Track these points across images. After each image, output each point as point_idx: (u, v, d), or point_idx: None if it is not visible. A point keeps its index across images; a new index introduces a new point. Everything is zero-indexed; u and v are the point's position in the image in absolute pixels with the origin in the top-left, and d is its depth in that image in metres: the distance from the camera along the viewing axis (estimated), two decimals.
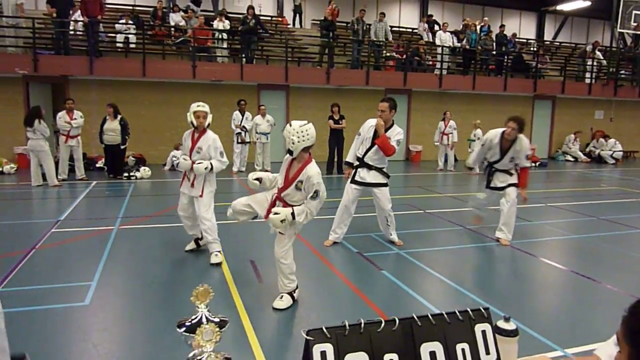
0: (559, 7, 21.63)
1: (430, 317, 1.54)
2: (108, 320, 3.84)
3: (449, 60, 16.42)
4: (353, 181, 5.83)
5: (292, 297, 4.15)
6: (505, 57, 16.82)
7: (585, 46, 18.63)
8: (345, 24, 16.86)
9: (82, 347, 3.33)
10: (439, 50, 16.07)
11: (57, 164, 10.22)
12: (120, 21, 13.45)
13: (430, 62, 16.31)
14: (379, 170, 5.74)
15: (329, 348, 1.41)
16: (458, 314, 1.58)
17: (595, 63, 17.79)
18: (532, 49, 19.78)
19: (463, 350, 1.55)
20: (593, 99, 18.18)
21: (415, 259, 5.46)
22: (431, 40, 17.26)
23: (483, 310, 1.62)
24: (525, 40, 20.87)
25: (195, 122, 5.06)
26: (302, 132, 3.83)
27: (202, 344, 1.37)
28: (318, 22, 16.51)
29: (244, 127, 12.03)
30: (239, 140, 12.12)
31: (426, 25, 17.84)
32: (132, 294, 4.38)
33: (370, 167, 5.73)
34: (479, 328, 1.60)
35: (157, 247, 5.74)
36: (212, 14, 15.58)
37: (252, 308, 4.03)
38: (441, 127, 13.64)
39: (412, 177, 12.80)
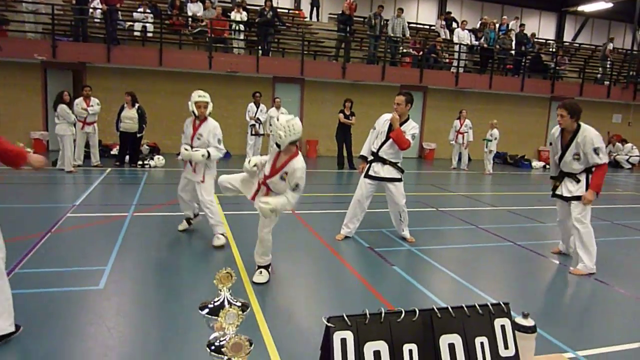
0: (580, 8, 21.30)
1: (450, 309, 1.53)
2: (122, 304, 3.88)
3: (466, 59, 16.28)
4: (367, 175, 5.81)
5: (268, 272, 4.47)
6: (524, 57, 16.63)
7: (606, 45, 18.30)
8: (362, 19, 16.78)
9: (97, 329, 3.37)
10: (457, 47, 15.94)
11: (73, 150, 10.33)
12: (139, 10, 13.52)
13: (447, 60, 16.18)
14: (394, 164, 5.70)
15: (349, 335, 1.41)
16: (478, 307, 1.57)
17: (611, 65, 17.53)
18: (551, 49, 19.54)
19: (482, 344, 1.54)
20: (611, 103, 17.93)
21: (427, 255, 5.44)
22: (448, 37, 17.12)
23: (503, 305, 1.62)
24: (544, 41, 20.61)
25: (196, 112, 5.24)
26: (288, 127, 3.98)
27: (224, 326, 1.38)
28: (335, 16, 16.46)
29: (258, 119, 12.06)
30: (253, 132, 12.16)
31: (444, 23, 17.69)
32: (145, 279, 4.42)
33: (384, 162, 5.70)
34: (498, 322, 1.60)
35: (170, 235, 5.79)
36: (230, 5, 15.59)
37: (262, 297, 4.05)
38: (456, 126, 13.54)
39: (425, 175, 12.74)
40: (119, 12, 13.07)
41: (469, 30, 16.73)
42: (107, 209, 6.86)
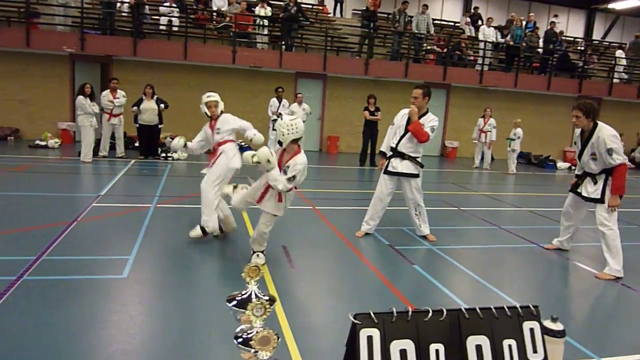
0: (611, 5, 20.75)
1: (479, 310, 1.51)
2: (145, 293, 3.94)
3: (491, 56, 16.02)
4: (386, 172, 5.76)
5: (264, 254, 4.67)
6: (551, 55, 16.29)
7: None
8: (386, 15, 16.65)
9: (120, 317, 3.42)
10: (481, 45, 15.70)
11: (99, 141, 10.53)
12: (165, 4, 13.65)
13: (472, 57, 15.95)
14: (413, 159, 5.62)
15: (375, 333, 1.40)
16: (507, 309, 1.55)
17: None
18: (579, 47, 19.09)
19: (510, 346, 1.52)
20: None
21: (448, 255, 5.38)
22: (473, 34, 16.88)
23: (532, 308, 1.58)
24: (572, 39, 20.15)
25: (208, 112, 5.28)
26: (291, 125, 4.22)
27: (252, 319, 1.39)
28: (359, 12, 16.37)
29: (280, 114, 12.08)
30: (275, 127, 12.19)
31: (468, 19, 17.44)
32: (168, 270, 4.48)
33: (403, 156, 5.63)
34: (527, 325, 1.57)
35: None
36: (255, 0, 15.64)
37: (283, 291, 4.06)
38: (480, 124, 13.32)
39: (447, 174, 12.60)
40: (146, 7, 13.22)
41: (495, 28, 16.45)
42: (131, 200, 6.97)
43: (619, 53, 17.76)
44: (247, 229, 5.77)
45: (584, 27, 22.56)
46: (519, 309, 1.60)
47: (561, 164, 15.25)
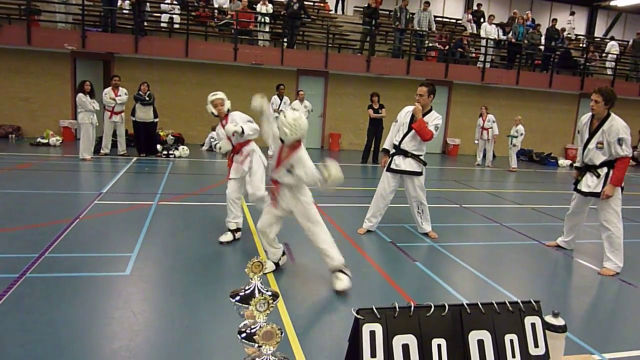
0: (613, 3, 20.67)
1: (480, 305, 1.52)
2: (148, 290, 3.96)
3: (493, 54, 16.00)
4: (389, 169, 5.76)
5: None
6: (553, 52, 16.26)
7: None
8: (388, 12, 16.62)
9: (123, 314, 3.44)
10: (483, 42, 15.67)
11: (100, 138, 10.55)
12: (166, 1, 13.66)
13: (474, 55, 15.93)
14: (416, 157, 5.62)
15: (378, 328, 1.41)
16: (508, 304, 1.55)
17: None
18: (581, 45, 19.04)
19: (511, 341, 1.53)
20: None
21: (450, 252, 5.39)
22: (475, 32, 16.85)
23: (534, 303, 1.59)
24: (574, 36, 20.10)
25: (215, 112, 5.22)
26: (295, 125, 4.02)
27: (255, 314, 1.40)
28: (361, 9, 16.34)
29: (282, 111, 12.07)
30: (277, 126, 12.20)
31: (470, 17, 17.41)
32: (171, 267, 4.49)
33: (406, 154, 5.63)
34: (528, 320, 1.58)
35: (194, 224, 5.86)
36: None
37: (285, 289, 4.08)
38: (480, 123, 13.31)
39: (449, 171, 12.60)
40: (147, 4, 13.22)
41: (497, 25, 16.41)
42: (133, 197, 6.99)
43: (611, 45, 17.71)
44: (248, 225, 5.78)
45: (586, 24, 22.49)
46: (521, 304, 1.60)
47: (563, 162, 15.23)
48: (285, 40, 13.70)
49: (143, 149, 10.93)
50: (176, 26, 13.48)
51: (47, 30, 12.26)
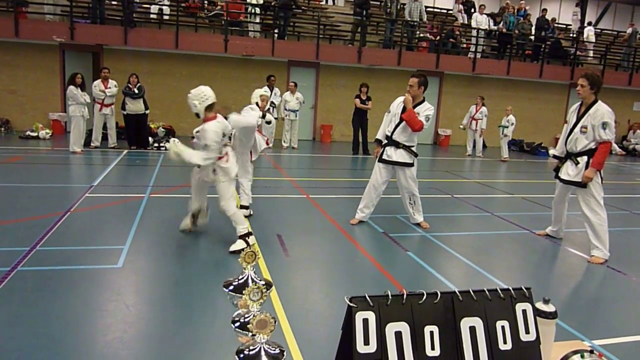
0: None
1: (472, 292, 1.54)
2: (140, 282, 3.95)
3: (484, 44, 16.02)
4: (380, 160, 5.77)
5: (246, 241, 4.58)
6: (543, 42, 16.31)
7: (635, 32, 17.84)
8: (379, 3, 16.55)
9: (116, 306, 3.44)
10: (474, 32, 15.68)
11: (90, 131, 10.46)
12: None
13: (465, 45, 15.94)
14: (407, 148, 5.65)
15: (371, 316, 1.42)
16: (500, 291, 1.57)
17: (634, 51, 17.12)
18: (571, 35, 19.11)
19: (503, 327, 1.55)
20: (633, 90, 17.55)
21: (441, 242, 5.43)
22: (466, 22, 16.84)
23: (525, 290, 1.61)
24: (564, 26, 20.17)
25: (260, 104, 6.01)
26: (200, 94, 4.41)
27: (249, 303, 1.40)
28: (351, 0, 16.27)
29: (272, 102, 12.02)
30: (266, 120, 12.15)
31: (461, 7, 17.39)
32: (163, 259, 4.48)
33: (397, 145, 5.64)
34: (519, 307, 1.60)
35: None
36: None
37: (277, 278, 4.09)
38: (472, 111, 13.33)
39: (440, 162, 12.66)
40: None
41: (488, 15, 16.42)
42: (124, 190, 6.95)
43: (588, 30, 17.80)
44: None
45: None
46: (512, 291, 1.62)
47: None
48: (276, 31, 13.62)
49: (134, 141, 10.83)
50: (166, 17, 13.35)
51: (34, 22, 12.09)
